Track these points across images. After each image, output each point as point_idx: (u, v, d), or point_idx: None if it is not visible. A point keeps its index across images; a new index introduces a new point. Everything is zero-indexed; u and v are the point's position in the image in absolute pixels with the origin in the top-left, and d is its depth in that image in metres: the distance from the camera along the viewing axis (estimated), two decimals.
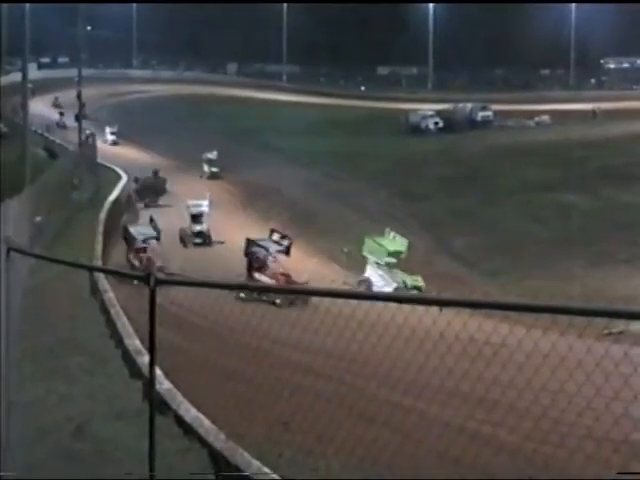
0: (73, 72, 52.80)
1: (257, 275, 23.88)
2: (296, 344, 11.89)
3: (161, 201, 39.80)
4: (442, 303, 4.29)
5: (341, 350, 10.72)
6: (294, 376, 11.29)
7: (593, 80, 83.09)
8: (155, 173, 42.42)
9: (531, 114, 62.28)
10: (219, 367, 11.07)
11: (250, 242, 25.75)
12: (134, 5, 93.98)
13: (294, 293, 19.78)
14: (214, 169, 46.51)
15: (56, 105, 65.98)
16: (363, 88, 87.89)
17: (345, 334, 7.18)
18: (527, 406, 12.40)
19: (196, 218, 32.81)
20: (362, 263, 29.38)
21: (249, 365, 10.28)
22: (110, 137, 57.25)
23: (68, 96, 58.04)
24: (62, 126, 56.83)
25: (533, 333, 6.83)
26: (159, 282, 4.74)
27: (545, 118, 61.62)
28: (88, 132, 53.54)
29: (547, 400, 8.76)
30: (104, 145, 53.93)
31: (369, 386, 13.15)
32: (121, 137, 58.29)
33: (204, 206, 33.66)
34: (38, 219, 22.33)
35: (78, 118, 46.09)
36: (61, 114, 60.32)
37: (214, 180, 45.22)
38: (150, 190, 40.55)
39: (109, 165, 47.29)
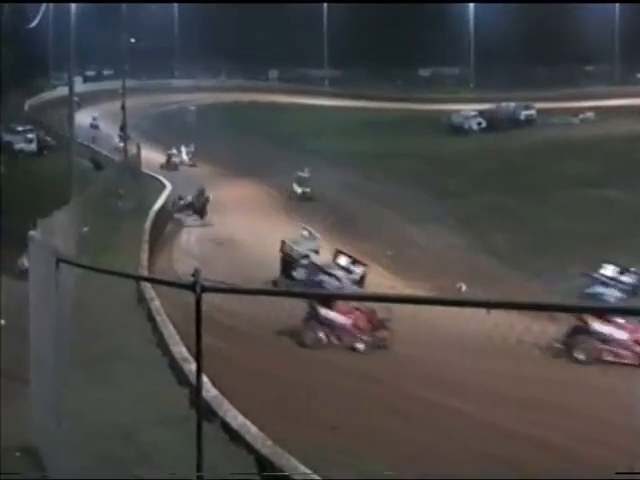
0: (117, 84, 53.50)
1: (323, 311, 18.63)
2: None
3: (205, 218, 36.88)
4: (463, 304, 4.26)
5: None
6: None
7: (639, 75, 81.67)
8: (201, 192, 38.52)
9: (575, 111, 61.43)
10: None
11: (313, 267, 21.22)
12: (175, 15, 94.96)
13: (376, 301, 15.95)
14: (306, 189, 41.93)
15: (94, 126, 63.36)
16: (404, 90, 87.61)
17: None
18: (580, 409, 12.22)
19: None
20: (405, 266, 29.16)
21: None
22: (185, 157, 54.14)
23: (112, 107, 58.68)
24: (122, 150, 51.50)
25: None
26: (205, 289, 4.72)
27: (590, 115, 60.73)
28: (173, 151, 53.22)
29: (598, 400, 8.62)
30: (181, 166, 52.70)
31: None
32: (165, 145, 58.56)
33: (314, 244, 24.59)
34: (85, 229, 22.66)
35: (123, 129, 46.62)
36: (120, 136, 54.78)
37: (306, 202, 40.53)
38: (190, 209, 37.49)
39: (153, 174, 47.83)
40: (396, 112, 68.60)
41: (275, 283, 23.13)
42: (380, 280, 25.86)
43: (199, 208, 37.14)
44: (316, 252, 23.97)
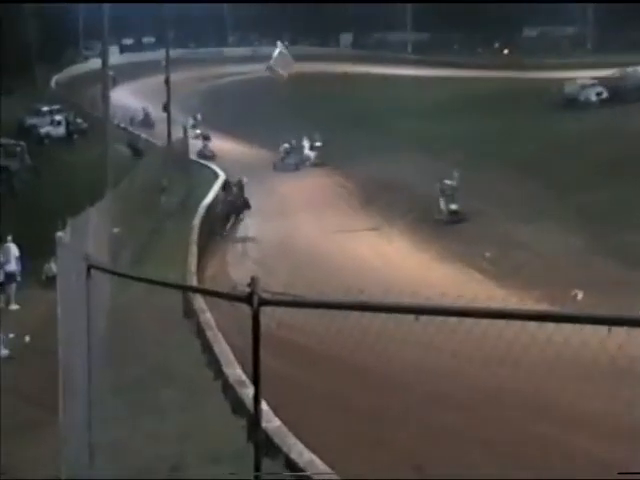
0: (160, 54, 54.23)
1: None
2: None
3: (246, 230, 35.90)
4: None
5: None
6: None
7: None
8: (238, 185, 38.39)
9: None
10: None
11: None
12: None
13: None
14: (454, 206, 36.32)
15: (147, 123, 60.19)
16: (506, 55, 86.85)
17: None
18: None
19: None
20: (508, 270, 28.92)
21: None
22: (310, 153, 49.67)
23: (155, 82, 59.54)
24: (209, 156, 51.63)
25: None
26: (263, 302, 4.76)
27: None
28: (286, 145, 49.21)
29: None
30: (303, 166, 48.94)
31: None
32: (220, 130, 58.91)
33: None
34: (116, 230, 22.99)
35: (166, 108, 47.25)
36: (205, 138, 54.41)
37: (455, 225, 35.28)
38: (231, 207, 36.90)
39: (204, 162, 48.42)
40: (496, 82, 67.95)
41: None
42: (476, 288, 25.66)
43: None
44: None
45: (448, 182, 37.21)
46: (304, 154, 49.38)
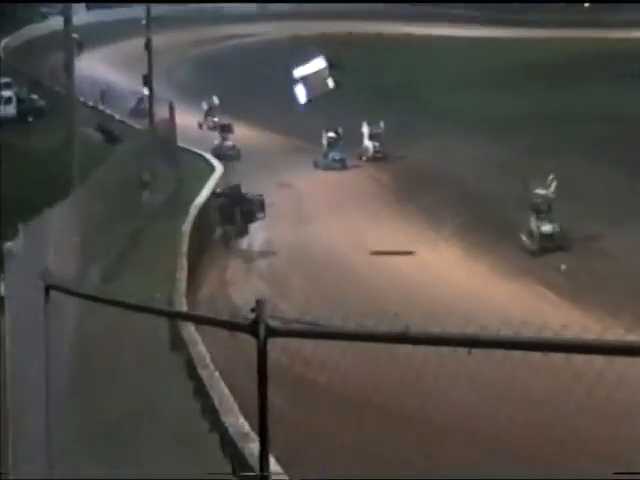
0: (139, 11, 54.30)
1: None
2: None
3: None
4: None
5: None
6: None
7: None
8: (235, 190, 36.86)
9: None
10: None
11: None
12: None
13: None
14: (547, 227, 33.25)
15: (139, 112, 57.00)
16: (587, 5, 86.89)
17: None
18: None
19: None
20: (589, 288, 28.81)
21: None
22: (370, 144, 47.94)
23: (132, 47, 59.62)
24: (231, 155, 48.89)
25: None
26: (272, 332, 4.75)
27: None
28: (331, 134, 47.24)
29: None
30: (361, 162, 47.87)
31: None
32: (225, 111, 58.22)
33: None
34: (76, 239, 23.01)
35: (147, 79, 47.25)
36: (224, 129, 51.93)
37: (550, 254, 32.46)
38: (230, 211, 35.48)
39: (196, 151, 48.33)
40: (573, 44, 67.98)
41: None
42: (548, 311, 25.61)
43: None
44: None
45: (541, 192, 34.26)
46: (363, 145, 47.63)
